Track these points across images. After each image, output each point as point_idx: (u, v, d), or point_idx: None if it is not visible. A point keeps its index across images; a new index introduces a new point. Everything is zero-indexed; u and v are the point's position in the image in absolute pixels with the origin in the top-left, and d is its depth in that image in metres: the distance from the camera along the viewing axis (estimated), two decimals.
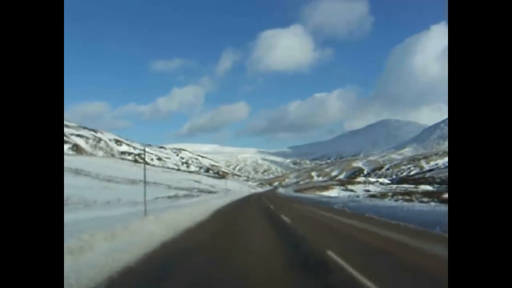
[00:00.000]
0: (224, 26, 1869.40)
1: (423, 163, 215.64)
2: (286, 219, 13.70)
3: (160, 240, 7.87)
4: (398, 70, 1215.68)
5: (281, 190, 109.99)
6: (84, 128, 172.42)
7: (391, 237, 8.33)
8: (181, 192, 43.57)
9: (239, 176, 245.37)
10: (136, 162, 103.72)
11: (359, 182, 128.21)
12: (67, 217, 10.03)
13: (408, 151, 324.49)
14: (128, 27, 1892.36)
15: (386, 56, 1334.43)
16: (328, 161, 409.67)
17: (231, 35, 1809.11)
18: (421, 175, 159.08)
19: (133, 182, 46.48)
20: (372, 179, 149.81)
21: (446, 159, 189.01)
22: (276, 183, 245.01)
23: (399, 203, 25.06)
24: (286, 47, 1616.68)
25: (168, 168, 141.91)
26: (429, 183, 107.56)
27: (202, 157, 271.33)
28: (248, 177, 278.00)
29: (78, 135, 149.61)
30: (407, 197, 43.59)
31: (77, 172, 47.04)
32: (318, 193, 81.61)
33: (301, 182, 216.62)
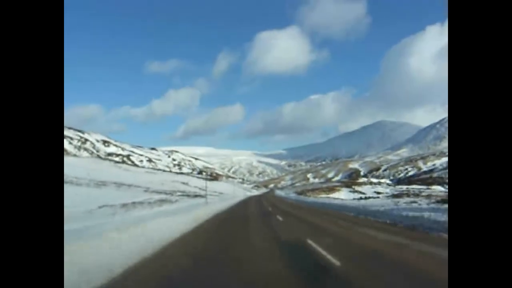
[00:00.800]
0: (221, 27, 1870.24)
1: (420, 163, 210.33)
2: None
3: None
4: (393, 72, 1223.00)
5: (280, 193, 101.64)
6: (70, 128, 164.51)
7: None
8: (156, 197, 34.43)
9: (233, 178, 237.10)
10: (117, 163, 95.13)
11: (364, 183, 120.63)
12: None
13: (404, 152, 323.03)
14: (124, 29, 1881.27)
15: (381, 57, 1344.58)
16: (323, 162, 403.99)
17: (228, 36, 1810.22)
18: (428, 175, 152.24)
19: (104, 184, 38.04)
20: (374, 180, 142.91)
21: (444, 159, 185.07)
22: (271, 185, 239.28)
23: None
24: (282, 49, 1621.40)
25: (155, 169, 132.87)
26: (439, 184, 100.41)
27: (196, 159, 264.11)
28: (243, 179, 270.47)
29: None
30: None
31: None
32: (324, 195, 73.33)
33: (297, 184, 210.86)
